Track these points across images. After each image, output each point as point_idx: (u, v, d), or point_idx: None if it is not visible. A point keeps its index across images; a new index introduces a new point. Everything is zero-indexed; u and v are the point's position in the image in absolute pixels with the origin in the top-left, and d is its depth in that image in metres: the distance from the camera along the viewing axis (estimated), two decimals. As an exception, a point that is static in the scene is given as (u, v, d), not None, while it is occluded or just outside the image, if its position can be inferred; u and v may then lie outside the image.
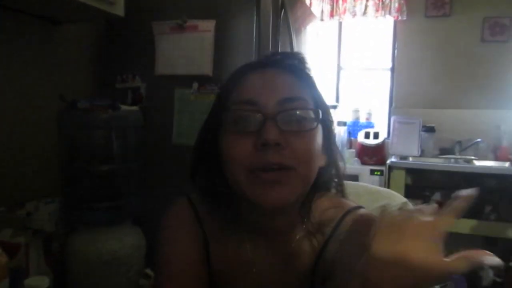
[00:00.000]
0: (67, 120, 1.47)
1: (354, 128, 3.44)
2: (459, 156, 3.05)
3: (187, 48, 1.70)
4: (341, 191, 0.78)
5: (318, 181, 0.72)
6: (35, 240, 1.34)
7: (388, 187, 2.81)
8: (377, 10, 3.29)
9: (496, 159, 3.02)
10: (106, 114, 1.45)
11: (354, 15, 3.34)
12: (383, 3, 3.26)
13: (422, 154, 3.15)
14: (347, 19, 3.41)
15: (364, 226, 0.68)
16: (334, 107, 3.22)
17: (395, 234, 0.47)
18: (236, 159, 0.65)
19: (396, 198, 0.99)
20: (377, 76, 3.63)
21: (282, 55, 0.75)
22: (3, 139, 1.53)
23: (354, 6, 3.34)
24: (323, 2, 3.39)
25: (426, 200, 2.86)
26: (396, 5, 3.22)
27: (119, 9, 1.54)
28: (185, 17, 1.68)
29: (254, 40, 1.64)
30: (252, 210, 0.70)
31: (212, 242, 0.76)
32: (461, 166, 2.82)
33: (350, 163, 3.06)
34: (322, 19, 3.36)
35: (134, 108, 1.67)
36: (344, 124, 3.39)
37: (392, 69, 3.48)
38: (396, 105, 3.42)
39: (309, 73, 0.74)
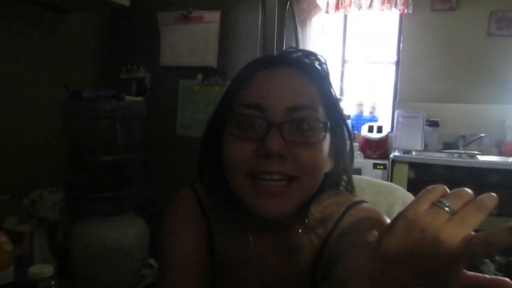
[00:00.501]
0: (71, 110, 1.47)
1: (357, 121, 3.44)
2: (462, 151, 3.04)
3: (192, 39, 1.69)
4: (350, 191, 0.77)
5: (323, 185, 0.69)
6: (39, 228, 1.35)
7: (391, 181, 2.81)
8: (383, 3, 3.26)
9: (500, 154, 3.01)
10: (111, 104, 1.45)
11: (360, 7, 3.32)
12: (389, -4, 3.24)
13: (426, 148, 3.14)
14: (352, 11, 3.39)
15: (367, 221, 0.68)
16: (339, 100, 3.20)
17: (416, 231, 0.43)
18: (236, 164, 0.63)
19: (399, 192, 0.99)
20: (381, 69, 3.61)
21: (299, 52, 0.71)
22: (8, 128, 1.54)
23: (360, -1, 3.32)
24: (328, -6, 3.37)
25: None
26: (402, -2, 3.20)
27: (124, -1, 1.54)
28: (190, 8, 1.67)
29: (259, 31, 1.63)
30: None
31: (215, 233, 0.76)
32: (464, 161, 2.82)
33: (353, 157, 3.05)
34: (327, 12, 3.34)
35: (139, 98, 1.67)
36: (348, 117, 3.39)
37: (397, 63, 3.47)
38: (400, 99, 3.40)
39: (326, 76, 0.70)
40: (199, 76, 1.70)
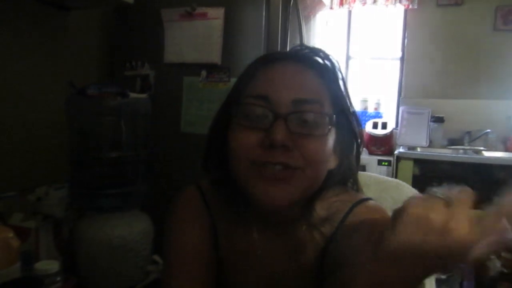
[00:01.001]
0: (76, 107, 1.48)
1: (362, 118, 3.42)
2: (468, 147, 3.03)
3: (196, 36, 1.69)
4: (356, 189, 0.76)
5: (327, 183, 0.69)
6: (45, 225, 1.35)
7: (396, 177, 2.80)
8: (387, -1, 3.25)
9: (506, 150, 3.00)
10: (115, 101, 1.46)
11: (364, 3, 3.31)
12: (393, -9, 3.22)
13: (431, 144, 3.13)
14: (356, 7, 3.37)
15: (373, 218, 0.68)
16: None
17: (421, 226, 0.43)
18: (240, 152, 0.63)
19: (404, 188, 0.98)
20: (386, 65, 3.59)
21: (309, 49, 0.72)
22: (13, 125, 1.55)
23: (364, -6, 3.30)
24: (333, -10, 3.36)
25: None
26: (407, -7, 3.18)
27: (128, -4, 1.54)
28: (194, 5, 1.67)
29: (263, 27, 1.62)
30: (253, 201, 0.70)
31: (220, 229, 0.76)
32: (470, 157, 2.81)
33: (358, 153, 3.05)
34: (331, 8, 3.33)
35: (143, 95, 1.67)
36: (360, 125, 3.38)
37: (402, 59, 3.45)
38: (405, 95, 3.39)
39: (334, 72, 0.70)
40: (203, 73, 1.70)
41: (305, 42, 1.90)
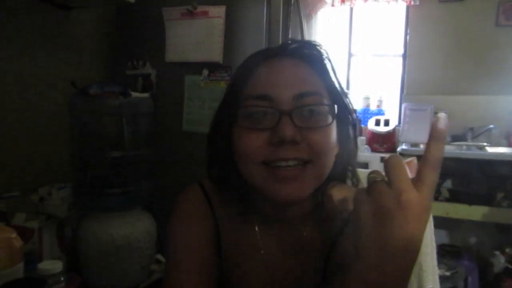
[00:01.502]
0: (78, 106, 1.48)
1: (364, 115, 3.41)
2: (471, 143, 3.02)
3: (197, 34, 1.69)
4: (356, 181, 0.77)
5: (331, 172, 0.70)
6: (48, 224, 1.36)
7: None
8: (389, -5, 3.23)
9: (509, 145, 2.98)
10: (117, 100, 1.46)
11: (366, 0, 3.29)
12: (395, -13, 3.20)
13: (434, 141, 3.11)
14: (358, 4, 3.35)
15: None
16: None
17: (382, 223, 0.45)
18: (250, 154, 0.64)
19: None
20: (388, 62, 3.58)
21: (299, 43, 0.72)
22: (15, 125, 1.55)
23: (366, -9, 3.29)
24: (334, -13, 3.34)
25: (437, 187, 2.84)
26: (409, -11, 3.16)
27: (129, -5, 1.54)
28: (195, 3, 1.67)
29: (265, 26, 1.62)
30: (265, 200, 0.70)
31: (223, 228, 0.76)
32: (473, 153, 2.79)
33: (360, 151, 3.04)
34: (333, 5, 3.31)
35: (145, 94, 1.67)
36: (355, 111, 3.37)
37: (404, 55, 3.44)
38: (408, 91, 3.38)
39: (327, 63, 0.71)
40: (205, 72, 1.70)
41: (306, 39, 1.89)
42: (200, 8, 1.67)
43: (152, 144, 1.59)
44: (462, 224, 2.80)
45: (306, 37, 1.88)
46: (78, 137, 1.50)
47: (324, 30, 2.53)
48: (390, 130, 3.17)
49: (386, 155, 2.74)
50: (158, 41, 1.77)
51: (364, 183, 0.79)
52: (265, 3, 1.62)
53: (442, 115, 0.48)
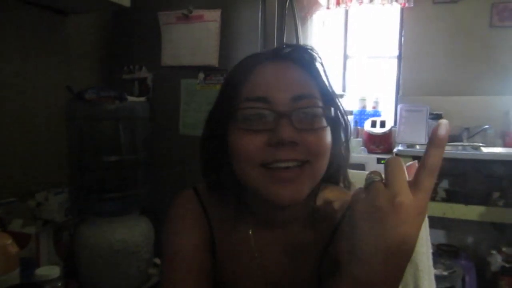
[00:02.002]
0: (74, 111, 1.48)
1: (360, 117, 3.43)
2: (467, 143, 3.03)
3: (193, 38, 1.70)
4: (347, 184, 0.77)
5: (324, 175, 0.71)
6: (45, 230, 1.36)
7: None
8: (383, -3, 3.25)
9: (505, 145, 3.00)
10: (113, 105, 1.46)
11: (361, 2, 3.31)
12: (389, -11, 3.22)
13: (430, 141, 3.12)
14: (353, 6, 3.37)
15: None
16: (341, 96, 3.20)
17: (376, 225, 0.46)
18: (248, 156, 0.64)
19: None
20: (384, 64, 3.59)
21: (293, 47, 0.73)
22: (11, 130, 1.55)
23: (361, -7, 3.30)
24: (329, -11, 3.36)
25: (434, 187, 2.85)
26: (403, -9, 3.18)
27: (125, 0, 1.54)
28: (191, 7, 1.67)
29: (260, 29, 1.63)
30: (261, 203, 0.70)
31: (217, 232, 0.76)
32: (469, 153, 2.80)
33: (357, 152, 3.05)
34: (328, 7, 3.33)
35: (141, 99, 1.67)
36: (351, 113, 3.38)
37: (399, 57, 3.45)
38: (403, 93, 3.39)
39: (320, 67, 0.72)
40: (201, 75, 1.71)
41: (301, 42, 1.90)
42: (196, 12, 1.68)
43: (149, 148, 1.59)
44: (459, 223, 2.82)
45: (301, 40, 1.89)
46: (75, 142, 1.50)
47: (320, 32, 2.54)
48: (386, 131, 3.18)
49: (383, 156, 2.75)
50: (154, 45, 1.77)
51: (358, 185, 0.80)
52: (260, 7, 1.62)
53: (443, 121, 0.47)
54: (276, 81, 0.67)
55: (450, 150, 2.94)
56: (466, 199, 2.64)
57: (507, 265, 2.57)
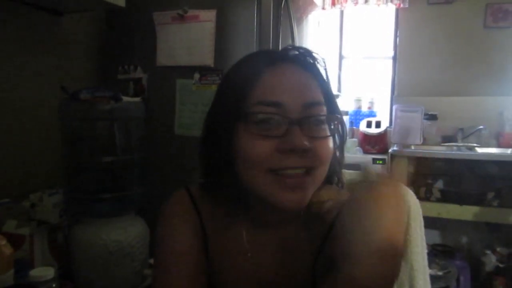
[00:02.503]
0: (69, 112, 1.47)
1: (356, 117, 3.44)
2: (461, 144, 3.05)
3: (188, 38, 1.69)
4: (341, 185, 0.77)
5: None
6: (39, 231, 1.35)
7: (391, 175, 2.80)
8: (378, -2, 3.26)
9: (499, 145, 3.01)
10: (108, 105, 1.45)
11: (356, 3, 3.32)
12: (385, -10, 3.23)
13: (425, 142, 3.14)
14: (348, 7, 3.38)
15: None
16: (336, 96, 3.20)
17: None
18: (257, 161, 0.63)
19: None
20: (379, 64, 3.61)
21: (298, 50, 0.72)
22: (6, 131, 1.54)
23: (356, -6, 3.31)
24: (324, -10, 3.36)
25: (429, 188, 2.87)
26: (398, -8, 3.19)
27: (120, -1, 1.54)
28: (186, 7, 1.67)
29: (255, 29, 1.63)
30: (259, 204, 0.70)
31: (210, 233, 0.76)
32: (463, 154, 2.82)
33: (352, 152, 3.06)
34: (323, 8, 3.34)
35: (136, 99, 1.67)
36: (346, 113, 3.39)
37: (394, 58, 3.47)
38: (399, 93, 3.40)
39: (323, 74, 0.72)
40: (196, 75, 1.70)
41: (297, 43, 1.90)
42: (191, 12, 1.68)
43: (144, 149, 1.59)
44: (454, 224, 2.83)
45: (297, 40, 1.89)
46: (69, 142, 1.49)
47: (315, 33, 2.54)
48: (381, 131, 3.19)
49: (378, 157, 2.76)
50: (149, 45, 1.76)
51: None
52: (256, 7, 1.62)
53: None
54: (289, 85, 0.66)
55: (445, 150, 2.96)
56: (461, 200, 2.65)
57: (501, 265, 2.59)
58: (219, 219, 0.76)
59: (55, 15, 1.71)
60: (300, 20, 2.11)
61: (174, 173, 1.71)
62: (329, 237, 0.71)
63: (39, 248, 1.33)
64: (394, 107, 3.30)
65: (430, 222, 2.69)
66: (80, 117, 1.46)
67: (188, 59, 1.70)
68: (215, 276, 0.76)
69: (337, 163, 0.74)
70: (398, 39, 3.41)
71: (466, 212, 2.64)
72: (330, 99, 0.71)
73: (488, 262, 2.65)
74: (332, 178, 0.75)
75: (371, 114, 3.42)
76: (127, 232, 1.44)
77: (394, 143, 3.11)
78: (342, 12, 3.62)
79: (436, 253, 2.72)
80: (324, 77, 0.71)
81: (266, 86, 0.66)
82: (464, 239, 3.01)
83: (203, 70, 1.69)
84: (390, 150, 2.95)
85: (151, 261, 1.51)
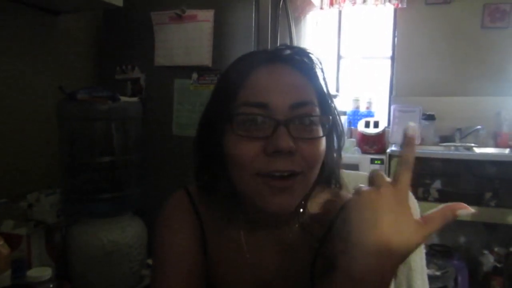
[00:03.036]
0: (66, 112, 1.47)
1: (354, 117, 3.44)
2: (459, 144, 3.05)
3: (186, 38, 1.69)
4: (339, 185, 0.77)
5: (316, 180, 0.70)
6: (37, 231, 1.34)
7: (389, 175, 2.80)
8: (377, -2, 3.26)
9: (496, 146, 3.02)
10: (106, 105, 1.45)
11: (354, 3, 3.32)
12: (383, -10, 3.23)
13: (423, 142, 3.15)
14: (347, 7, 3.38)
15: None
16: (334, 96, 3.21)
17: (368, 220, 0.49)
18: (244, 163, 0.63)
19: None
20: (377, 64, 3.61)
21: (292, 50, 0.71)
22: (3, 130, 1.53)
23: (354, -6, 3.31)
24: (322, -10, 3.37)
25: (426, 188, 2.87)
26: (396, -8, 3.20)
27: (117, -1, 1.54)
28: (184, 7, 1.67)
29: (253, 29, 1.63)
30: (252, 206, 0.70)
31: (209, 233, 0.76)
32: (461, 154, 2.82)
33: (351, 152, 3.06)
34: (321, 8, 3.34)
35: (134, 99, 1.67)
36: (344, 113, 3.39)
37: (392, 58, 3.47)
38: (397, 93, 3.41)
39: (318, 72, 0.70)
40: (194, 75, 1.70)
41: (295, 42, 1.90)
42: (189, 12, 1.67)
43: (142, 149, 1.59)
44: (452, 224, 2.82)
45: (295, 40, 1.89)
46: (67, 143, 1.49)
47: (313, 33, 2.54)
48: (379, 131, 3.20)
49: (376, 157, 2.75)
50: (147, 45, 1.76)
51: (352, 185, 0.80)
52: (254, 7, 1.62)
53: (411, 124, 0.54)
54: (275, 86, 0.65)
55: (443, 150, 2.96)
56: (459, 199, 2.64)
57: (499, 265, 2.59)
58: (217, 220, 0.75)
59: (52, 14, 1.71)
60: (298, 20, 2.11)
61: (171, 173, 1.71)
62: (327, 237, 0.71)
63: (36, 248, 1.32)
64: (392, 107, 3.30)
65: (428, 222, 2.67)
66: (78, 117, 1.46)
67: (186, 59, 1.70)
68: (214, 277, 0.76)
69: (335, 164, 0.73)
70: (396, 39, 3.41)
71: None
72: (324, 100, 0.69)
73: (486, 262, 2.66)
74: (329, 179, 0.75)
75: (369, 114, 3.43)
76: (125, 232, 1.43)
77: (392, 143, 3.12)
78: (340, 12, 3.63)
79: (434, 253, 2.73)
80: (320, 77, 0.70)
81: (252, 86, 0.65)
82: (462, 239, 3.01)
83: (201, 70, 1.68)
84: (388, 150, 2.95)
85: (149, 261, 1.51)
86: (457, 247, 2.96)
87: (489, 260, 2.64)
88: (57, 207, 1.45)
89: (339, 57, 3.67)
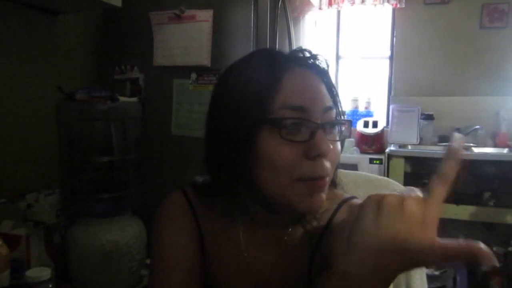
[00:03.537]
0: (65, 112, 1.47)
1: (353, 117, 3.44)
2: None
3: (185, 38, 1.69)
4: (334, 185, 0.77)
5: None
6: (36, 231, 1.34)
7: (388, 175, 2.81)
8: (375, -2, 3.26)
9: (495, 145, 3.02)
10: (105, 105, 1.45)
11: (353, 3, 3.32)
12: (381, -10, 3.24)
13: (421, 142, 3.15)
14: (345, 7, 3.38)
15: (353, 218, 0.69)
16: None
17: (385, 218, 0.47)
18: (285, 168, 0.62)
19: (395, 186, 0.99)
20: (376, 64, 3.61)
21: (306, 53, 0.71)
22: (2, 130, 1.53)
23: (353, -6, 3.32)
24: (321, -10, 3.37)
25: (425, 187, 2.87)
26: (395, -8, 3.20)
27: (116, -1, 1.54)
28: (183, 7, 1.67)
29: (252, 29, 1.63)
30: (256, 206, 0.70)
31: (206, 233, 0.76)
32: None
33: (349, 152, 3.07)
34: (320, 8, 3.34)
35: (133, 99, 1.67)
36: (344, 113, 3.39)
37: (391, 58, 3.47)
38: (395, 93, 3.41)
39: (331, 77, 0.73)
40: (193, 75, 1.70)
41: (294, 43, 1.90)
42: (188, 12, 1.68)
43: (141, 149, 1.59)
44: (450, 223, 2.83)
45: (293, 40, 1.89)
46: (66, 143, 1.49)
47: (312, 33, 2.55)
48: (378, 131, 3.20)
49: (375, 157, 2.76)
50: (146, 45, 1.76)
51: (351, 185, 0.80)
52: (252, 7, 1.62)
53: (456, 135, 0.51)
54: (310, 90, 0.66)
55: (442, 150, 2.96)
56: (457, 199, 2.66)
57: (497, 265, 2.59)
58: (215, 220, 0.75)
59: (51, 14, 1.70)
60: (297, 20, 2.12)
61: (171, 173, 1.71)
62: (325, 236, 0.71)
63: (35, 249, 1.32)
64: (391, 107, 3.31)
65: (426, 222, 2.68)
66: (77, 117, 1.46)
67: (185, 59, 1.70)
68: (212, 277, 0.76)
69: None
70: (394, 39, 3.42)
71: (463, 212, 2.64)
72: (337, 103, 0.72)
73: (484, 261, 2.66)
74: (333, 179, 0.75)
75: (368, 114, 3.43)
76: (124, 232, 1.43)
77: (391, 143, 3.12)
78: (339, 12, 3.63)
79: (432, 252, 2.73)
80: (332, 80, 0.72)
81: (289, 90, 0.64)
82: (460, 239, 3.01)
83: (200, 70, 1.69)
84: (387, 150, 2.95)
85: (148, 261, 1.51)
86: (456, 247, 2.96)
87: (488, 260, 2.64)
88: (56, 207, 1.45)
89: (337, 57, 3.67)
